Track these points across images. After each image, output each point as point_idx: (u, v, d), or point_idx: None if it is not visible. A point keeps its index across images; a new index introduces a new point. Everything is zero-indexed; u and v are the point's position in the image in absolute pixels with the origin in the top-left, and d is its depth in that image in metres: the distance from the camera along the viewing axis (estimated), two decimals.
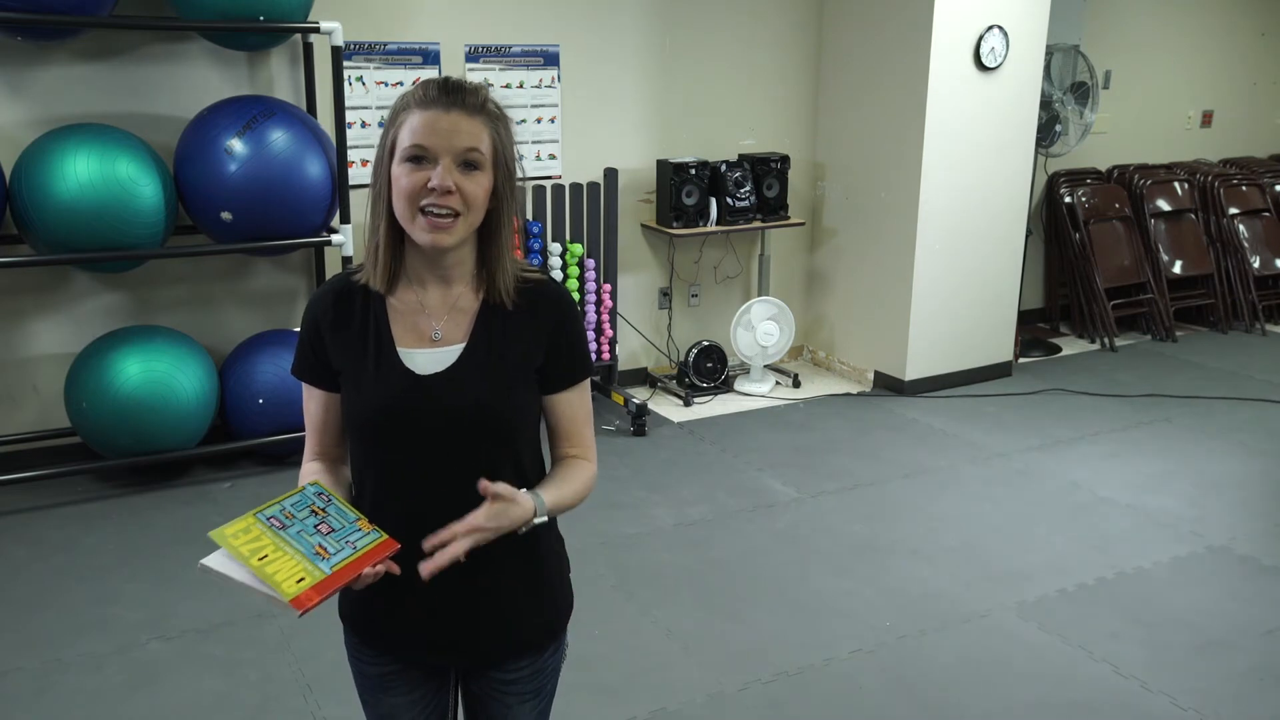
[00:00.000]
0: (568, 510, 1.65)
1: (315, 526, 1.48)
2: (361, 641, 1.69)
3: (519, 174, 1.58)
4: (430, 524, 1.54)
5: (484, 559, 1.54)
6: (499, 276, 1.57)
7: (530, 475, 1.63)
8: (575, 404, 1.66)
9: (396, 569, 1.50)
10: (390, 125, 1.50)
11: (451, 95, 1.48)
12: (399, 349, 1.56)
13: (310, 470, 1.66)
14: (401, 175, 1.47)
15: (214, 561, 1.40)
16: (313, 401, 1.65)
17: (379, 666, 1.69)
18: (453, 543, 1.46)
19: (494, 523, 1.48)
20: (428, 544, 1.46)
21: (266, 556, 1.41)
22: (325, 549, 1.45)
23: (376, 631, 1.66)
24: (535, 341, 1.59)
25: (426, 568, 1.45)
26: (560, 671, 1.77)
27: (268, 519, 1.47)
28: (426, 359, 1.56)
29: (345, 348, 1.58)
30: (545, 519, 1.56)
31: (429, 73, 4.78)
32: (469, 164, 1.48)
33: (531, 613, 1.67)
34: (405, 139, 1.47)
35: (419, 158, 1.46)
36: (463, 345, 1.57)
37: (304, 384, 1.65)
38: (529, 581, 1.65)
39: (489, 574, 1.59)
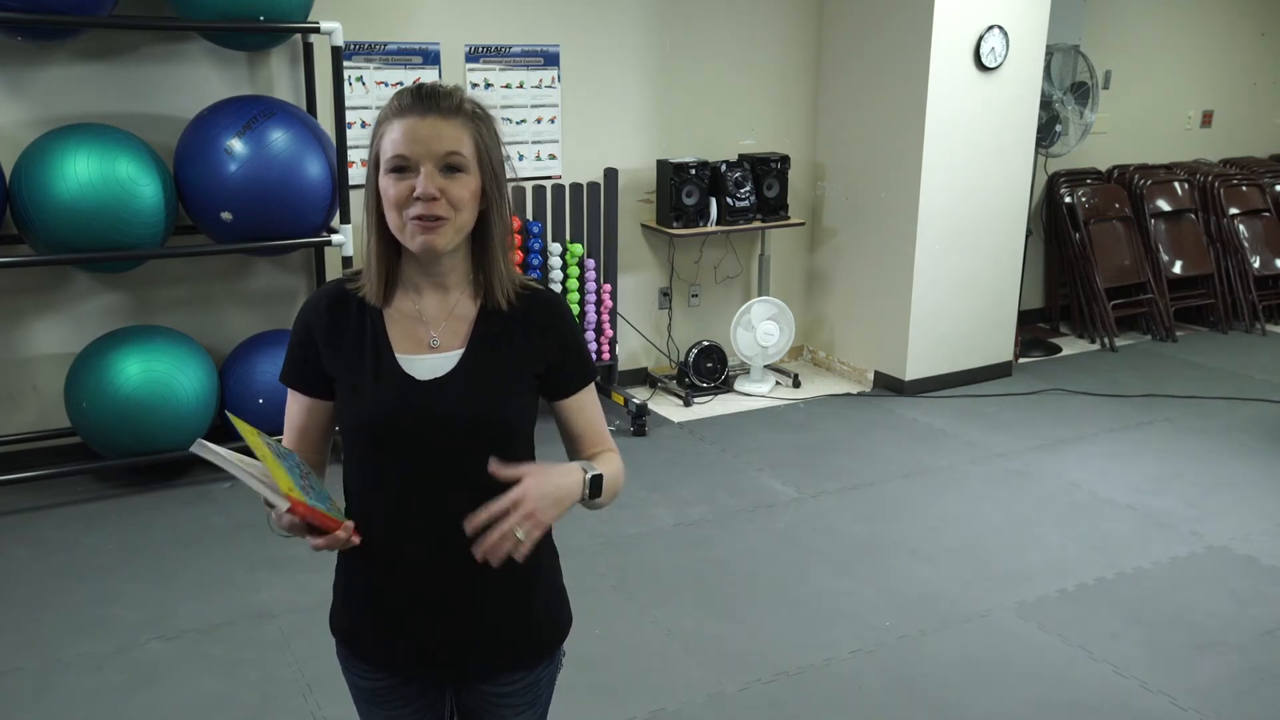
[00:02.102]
0: (614, 496, 1.62)
1: (301, 477, 1.50)
2: (353, 654, 1.68)
3: (510, 174, 1.57)
4: (424, 530, 1.54)
5: (475, 571, 1.54)
6: (495, 280, 1.56)
7: None
8: (588, 405, 1.66)
9: (358, 540, 1.50)
10: (374, 138, 1.51)
11: (426, 101, 1.48)
12: (397, 356, 1.56)
13: None
14: (388, 186, 1.48)
15: (214, 446, 1.41)
16: (297, 407, 1.64)
17: (371, 680, 1.67)
18: (503, 523, 1.42)
19: (542, 494, 1.44)
20: (470, 525, 1.42)
21: (268, 458, 1.43)
22: (310, 489, 1.48)
23: (368, 645, 1.65)
24: (534, 347, 1.59)
25: (481, 550, 1.42)
26: (556, 681, 1.76)
27: (266, 443, 1.48)
28: (425, 365, 1.56)
29: (341, 356, 1.57)
30: (600, 473, 1.55)
31: (429, 73, 4.78)
32: (451, 167, 1.48)
33: (524, 626, 1.65)
34: (387, 150, 1.48)
35: (402, 167, 1.47)
36: (461, 351, 1.56)
37: (290, 390, 1.64)
38: (521, 594, 1.64)
39: (480, 587, 1.58)
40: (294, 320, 1.64)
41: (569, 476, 1.52)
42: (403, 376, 1.55)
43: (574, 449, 1.67)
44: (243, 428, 1.44)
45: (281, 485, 1.41)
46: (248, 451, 1.45)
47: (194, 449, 1.40)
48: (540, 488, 1.45)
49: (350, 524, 1.49)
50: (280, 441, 1.64)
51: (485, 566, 1.52)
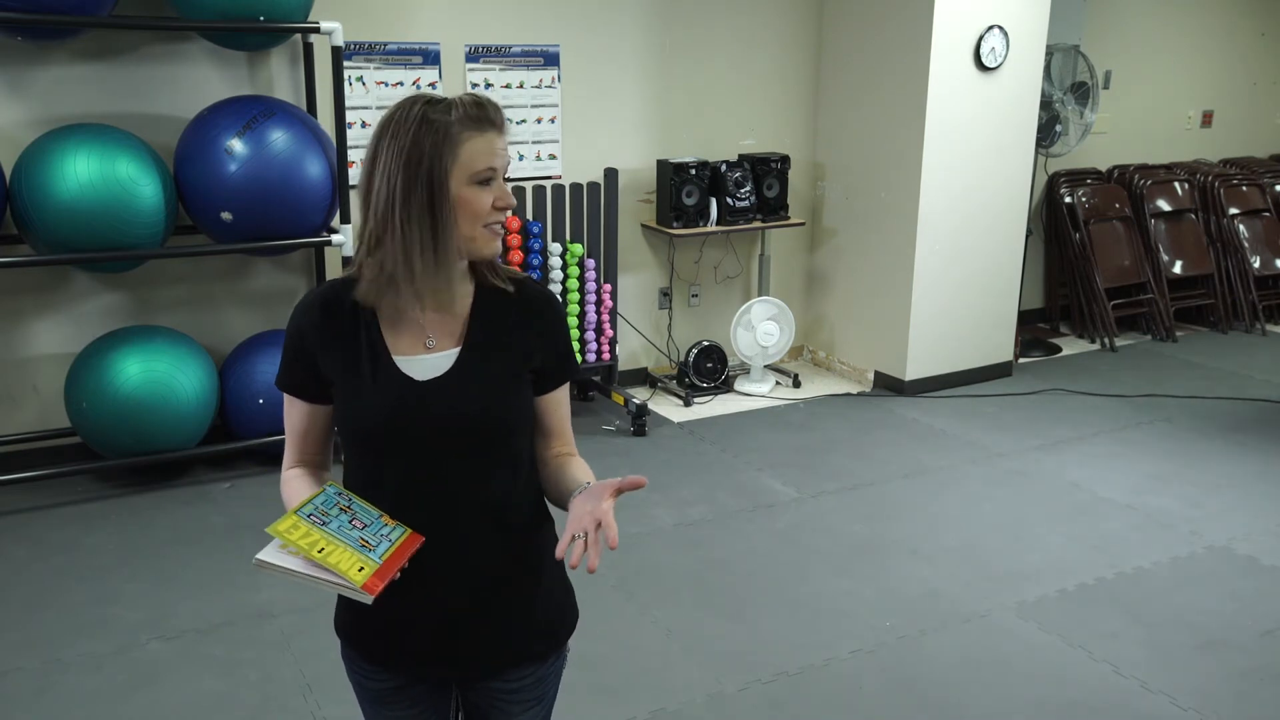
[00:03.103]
0: None
1: (350, 522, 1.51)
2: (358, 655, 1.68)
3: None
4: (427, 529, 1.54)
5: (479, 569, 1.53)
6: (487, 268, 1.60)
7: (526, 476, 1.63)
8: (564, 403, 1.68)
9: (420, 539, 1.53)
10: (438, 146, 1.47)
11: (495, 115, 1.52)
12: (395, 357, 1.56)
13: (291, 476, 1.65)
14: (472, 198, 1.50)
15: (269, 555, 1.43)
16: (296, 411, 1.64)
17: (377, 681, 1.67)
18: (591, 534, 1.40)
19: (600, 502, 1.44)
20: (561, 548, 1.39)
21: (324, 549, 1.44)
22: (368, 541, 1.49)
23: (373, 646, 1.65)
24: (529, 342, 1.60)
25: (592, 564, 1.38)
26: (561, 677, 1.76)
27: (308, 516, 1.49)
28: (423, 365, 1.56)
29: (338, 359, 1.57)
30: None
31: (429, 73, 4.78)
32: (506, 178, 1.55)
33: (531, 623, 1.66)
34: (476, 162, 1.49)
35: (489, 180, 1.51)
36: (457, 350, 1.57)
37: (288, 395, 1.64)
38: (528, 591, 1.64)
39: (485, 584, 1.59)
40: (287, 325, 1.63)
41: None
42: (401, 378, 1.55)
43: (542, 444, 1.68)
44: (279, 530, 1.45)
45: (351, 574, 1.41)
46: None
47: (255, 566, 1.43)
48: (598, 508, 1.42)
49: (410, 531, 1.53)
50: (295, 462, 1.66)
51: (489, 564, 1.53)
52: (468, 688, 1.70)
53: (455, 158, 1.48)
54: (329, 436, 1.67)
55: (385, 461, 1.57)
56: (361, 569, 1.43)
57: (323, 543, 1.45)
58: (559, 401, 1.66)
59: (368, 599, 1.41)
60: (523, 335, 1.59)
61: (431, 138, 1.47)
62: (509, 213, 1.56)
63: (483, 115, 1.50)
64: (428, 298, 1.56)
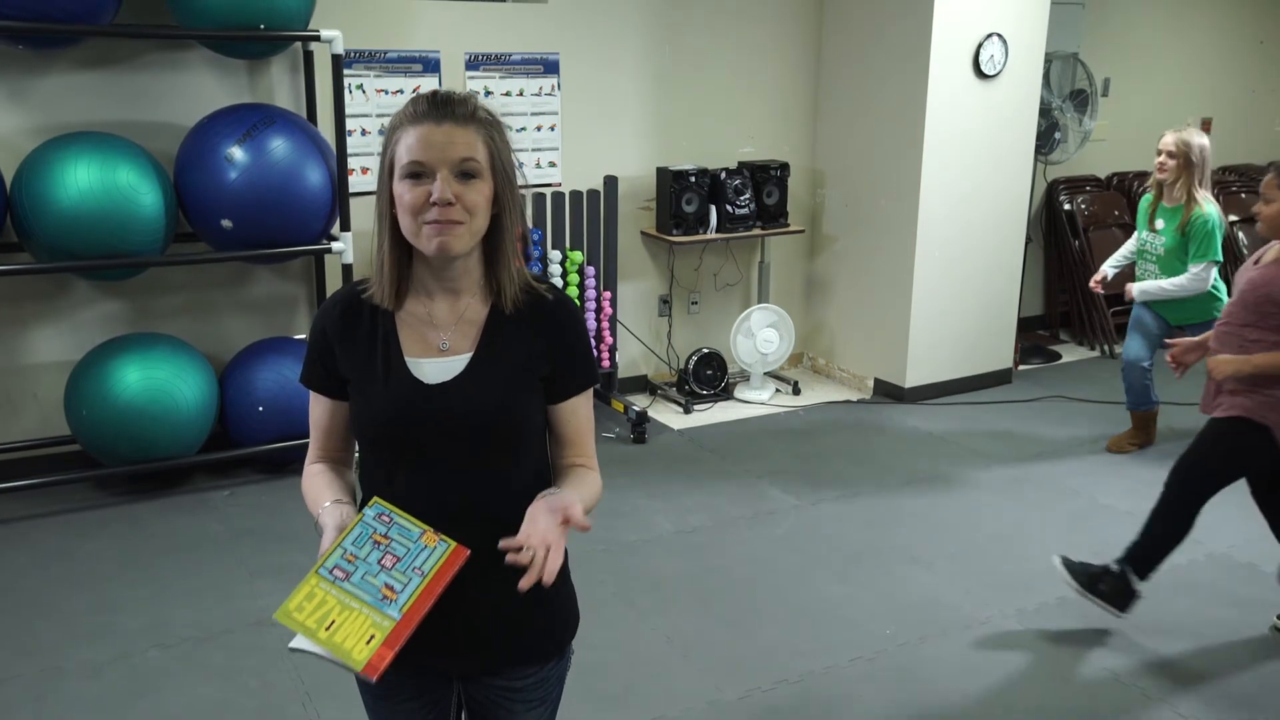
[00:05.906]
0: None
1: (379, 562, 1.49)
2: None
3: (520, 179, 1.59)
4: (435, 527, 1.55)
5: (484, 567, 1.54)
6: (506, 282, 1.58)
7: (536, 480, 1.64)
8: (580, 412, 1.67)
9: (467, 553, 1.53)
10: (387, 144, 1.53)
11: (441, 108, 1.50)
12: (407, 359, 1.58)
13: (314, 473, 1.68)
14: (404, 192, 1.50)
15: (301, 643, 1.45)
16: (319, 407, 1.67)
17: None
18: (539, 556, 1.46)
19: (557, 533, 1.49)
20: (508, 544, 1.47)
21: (334, 624, 1.43)
22: (392, 588, 1.46)
23: None
24: (541, 351, 1.60)
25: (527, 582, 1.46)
26: (565, 679, 1.77)
27: (330, 572, 1.48)
28: (434, 369, 1.57)
29: (354, 359, 1.60)
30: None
31: (429, 81, 4.79)
32: (467, 173, 1.50)
33: (535, 622, 1.66)
34: (403, 156, 1.49)
35: (418, 173, 1.49)
36: (470, 355, 1.58)
37: (312, 392, 1.68)
38: (532, 593, 1.64)
39: (489, 583, 1.59)
40: (311, 324, 1.67)
41: (567, 498, 1.54)
42: (411, 380, 1.57)
43: (557, 452, 1.69)
44: (288, 612, 1.45)
45: (355, 653, 1.40)
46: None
47: (292, 653, 1.47)
48: (553, 529, 1.49)
49: (454, 546, 1.53)
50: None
51: (493, 562, 1.53)
52: (470, 683, 1.70)
53: (394, 153, 1.51)
54: (351, 433, 1.69)
55: (395, 462, 1.59)
56: (371, 638, 1.41)
57: (334, 614, 1.43)
58: (573, 410, 1.66)
59: (370, 680, 1.40)
60: (535, 343, 1.60)
61: (388, 134, 1.53)
62: (452, 210, 1.48)
63: (419, 109, 1.50)
64: (435, 296, 1.58)
